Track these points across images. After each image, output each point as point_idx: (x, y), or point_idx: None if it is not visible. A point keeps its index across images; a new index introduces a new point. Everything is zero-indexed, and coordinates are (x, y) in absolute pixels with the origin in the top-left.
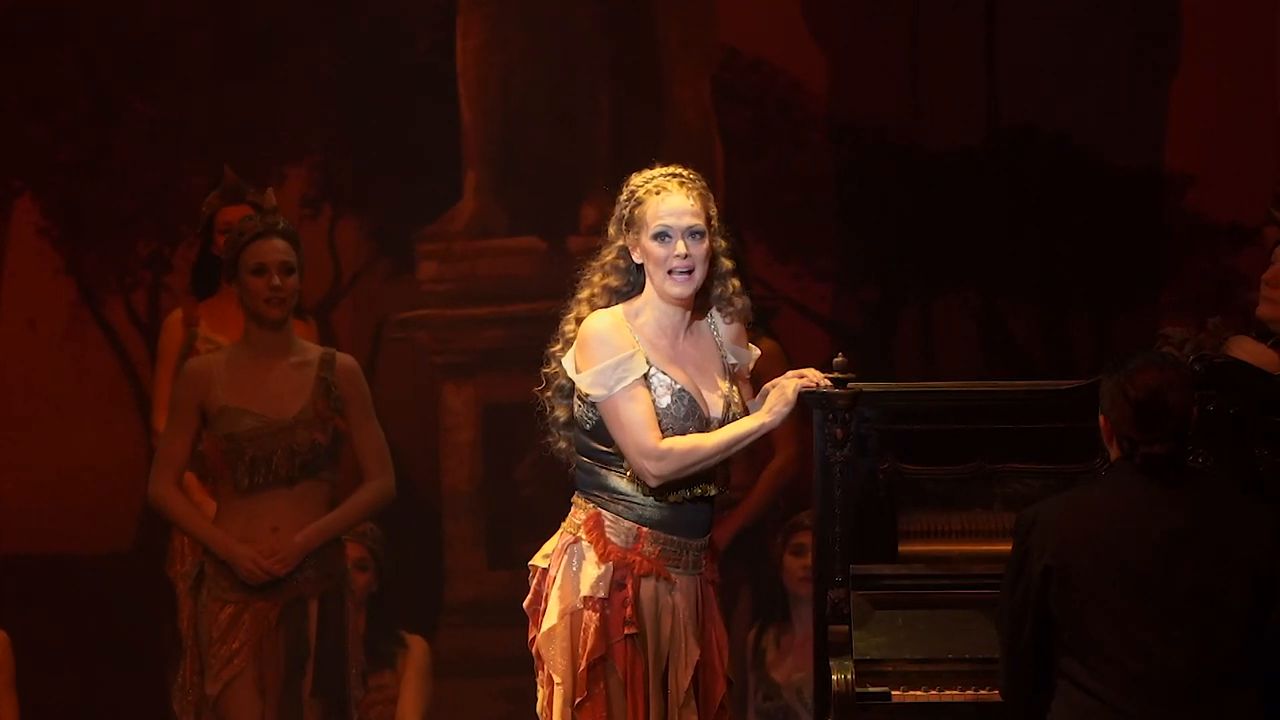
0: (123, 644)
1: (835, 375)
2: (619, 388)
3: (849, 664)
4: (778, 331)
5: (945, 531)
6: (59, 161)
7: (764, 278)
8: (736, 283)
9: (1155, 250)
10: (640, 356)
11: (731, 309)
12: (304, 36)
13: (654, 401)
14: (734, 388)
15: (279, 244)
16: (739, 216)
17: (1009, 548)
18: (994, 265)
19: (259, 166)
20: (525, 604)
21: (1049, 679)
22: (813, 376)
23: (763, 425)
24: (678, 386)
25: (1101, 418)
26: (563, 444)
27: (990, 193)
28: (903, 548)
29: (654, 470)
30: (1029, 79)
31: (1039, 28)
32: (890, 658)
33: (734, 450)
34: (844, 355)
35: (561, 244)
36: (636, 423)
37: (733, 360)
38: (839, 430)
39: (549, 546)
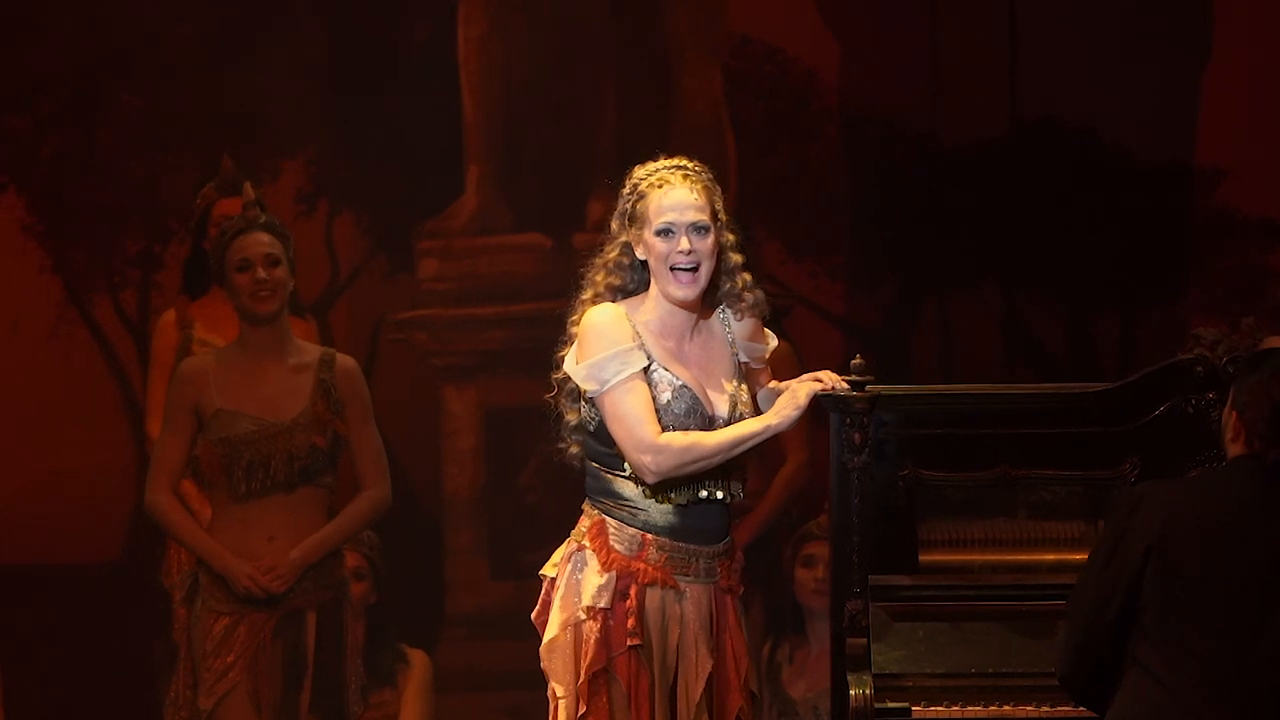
0: (112, 657)
1: (853, 378)
2: (615, 380)
3: (867, 679)
4: (791, 332)
5: (967, 540)
6: (43, 155)
7: (777, 276)
8: (747, 277)
9: (1185, 247)
10: (639, 351)
11: (742, 304)
12: (297, 24)
13: (655, 398)
14: (742, 387)
15: (262, 237)
16: (751, 212)
17: (1034, 557)
18: (1016, 263)
19: (251, 160)
20: (533, 615)
21: (1118, 668)
22: (828, 380)
23: (769, 427)
24: (679, 383)
25: (1232, 414)
26: (574, 449)
27: (1012, 187)
28: (923, 558)
29: (651, 465)
30: (1053, 68)
31: (1063, 14)
32: (910, 672)
33: (737, 450)
34: (861, 357)
35: (566, 241)
36: (632, 416)
37: (744, 358)
38: (857, 435)
39: (558, 555)
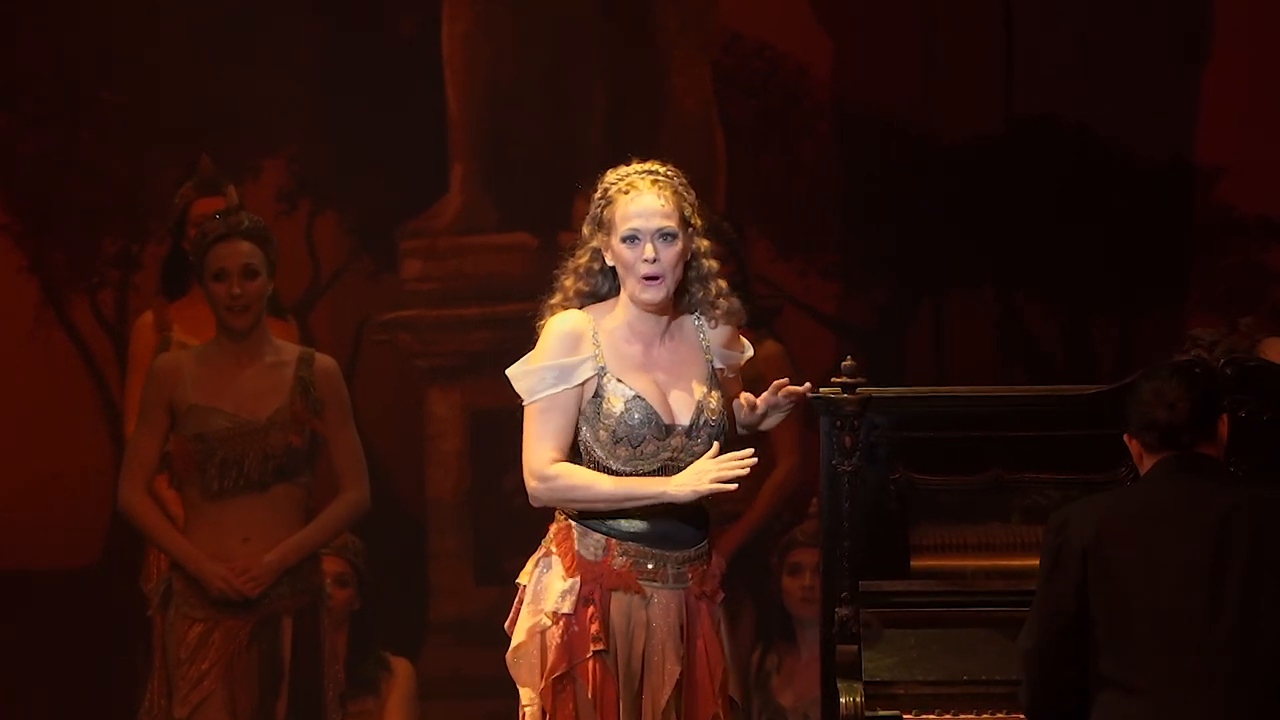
0: (87, 664)
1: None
2: (538, 395)
3: (858, 686)
4: (782, 332)
5: (960, 545)
6: (22, 153)
7: (768, 276)
8: (722, 284)
9: (1183, 246)
10: (580, 369)
11: (715, 312)
12: (280, 21)
13: (609, 409)
14: (712, 394)
15: (242, 246)
16: (741, 210)
17: (1027, 562)
18: (1012, 263)
19: (233, 159)
20: (506, 624)
21: (1082, 691)
22: (731, 470)
23: (664, 494)
24: (632, 395)
25: (1128, 439)
26: None
27: (1008, 185)
28: (914, 563)
29: (533, 490)
30: (1050, 64)
31: (1060, 10)
32: (901, 679)
33: (626, 505)
34: (852, 358)
35: (553, 240)
36: (534, 435)
37: (720, 364)
38: (847, 438)
39: (531, 562)
